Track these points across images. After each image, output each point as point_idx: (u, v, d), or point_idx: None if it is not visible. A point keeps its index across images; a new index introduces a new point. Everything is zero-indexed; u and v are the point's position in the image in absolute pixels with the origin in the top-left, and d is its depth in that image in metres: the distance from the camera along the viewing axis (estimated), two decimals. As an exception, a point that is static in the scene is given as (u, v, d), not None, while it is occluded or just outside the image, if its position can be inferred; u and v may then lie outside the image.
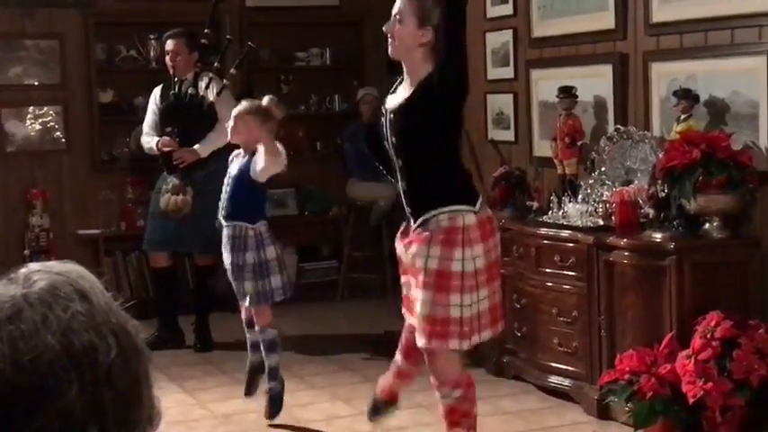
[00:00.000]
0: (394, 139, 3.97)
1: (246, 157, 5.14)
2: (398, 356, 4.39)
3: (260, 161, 5.00)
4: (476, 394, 4.20)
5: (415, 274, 3.93)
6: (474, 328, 3.92)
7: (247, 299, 5.15)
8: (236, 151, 5.32)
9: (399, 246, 4.13)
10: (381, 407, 4.55)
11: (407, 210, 4.03)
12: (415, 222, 3.96)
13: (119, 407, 1.10)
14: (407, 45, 3.88)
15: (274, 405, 5.19)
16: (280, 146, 5.08)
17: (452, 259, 3.83)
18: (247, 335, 5.34)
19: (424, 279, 3.86)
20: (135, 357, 1.14)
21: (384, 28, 3.97)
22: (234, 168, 5.23)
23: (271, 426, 5.22)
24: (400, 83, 4.04)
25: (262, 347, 5.21)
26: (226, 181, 5.26)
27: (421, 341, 3.92)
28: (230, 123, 5.14)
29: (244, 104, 5.20)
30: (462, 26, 3.89)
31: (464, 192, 3.97)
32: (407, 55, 3.91)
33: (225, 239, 5.20)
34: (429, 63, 3.87)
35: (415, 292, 3.96)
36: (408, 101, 3.90)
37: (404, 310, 4.24)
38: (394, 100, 4.01)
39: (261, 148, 4.99)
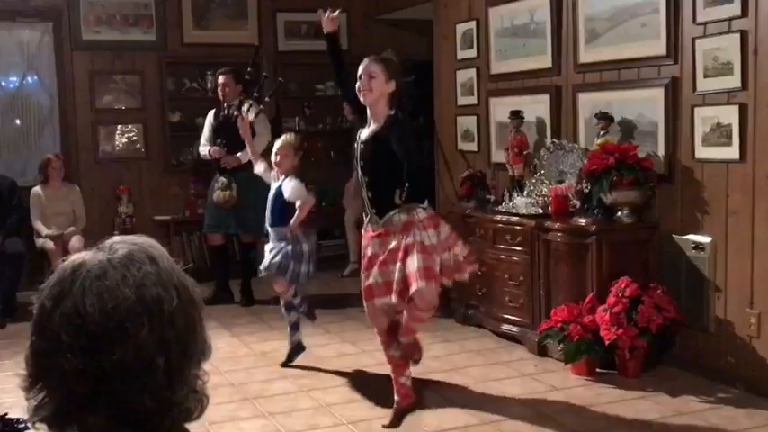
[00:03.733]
0: (362, 162, 3.98)
1: (280, 181, 5.01)
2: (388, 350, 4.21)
3: (292, 196, 4.92)
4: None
5: (402, 249, 3.87)
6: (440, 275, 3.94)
7: (284, 274, 4.95)
8: (273, 173, 5.12)
9: (367, 238, 4.02)
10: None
11: (372, 211, 3.98)
12: (380, 220, 3.95)
13: (179, 343, 1.10)
14: (379, 94, 3.89)
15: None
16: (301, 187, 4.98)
17: (418, 237, 3.86)
18: (287, 317, 5.14)
19: (416, 248, 3.83)
20: (192, 306, 1.14)
21: (357, 85, 3.92)
22: (272, 190, 5.07)
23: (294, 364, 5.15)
24: (368, 123, 3.99)
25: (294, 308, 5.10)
26: (269, 199, 5.09)
27: (420, 284, 3.80)
28: (278, 156, 5.01)
29: (283, 140, 5.06)
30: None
31: (419, 197, 3.97)
32: (377, 101, 3.91)
33: (271, 241, 5.03)
34: (389, 107, 3.91)
35: (408, 263, 3.85)
36: (374, 136, 3.91)
37: (375, 297, 3.98)
38: (363, 134, 4.00)
39: (289, 184, 4.93)
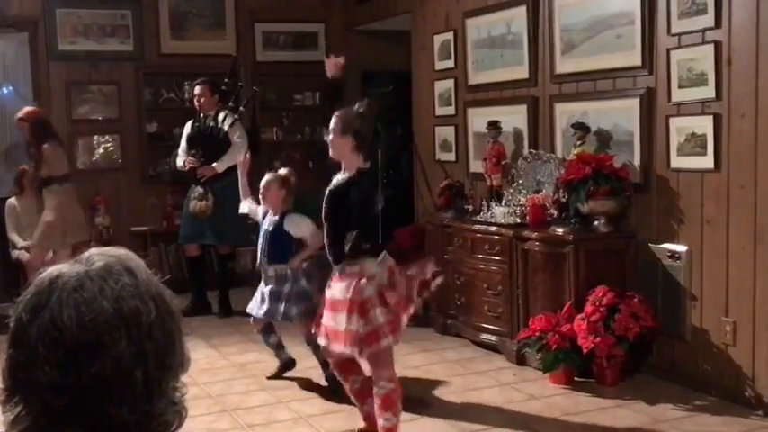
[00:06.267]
0: (325, 208, 3.88)
1: (277, 217, 4.91)
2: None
3: (300, 232, 4.85)
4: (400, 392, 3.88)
5: (336, 305, 3.80)
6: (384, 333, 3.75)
7: (293, 317, 4.82)
8: (263, 209, 5.02)
9: (334, 279, 3.93)
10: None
11: (330, 258, 3.88)
12: (334, 267, 3.85)
13: (157, 355, 1.10)
14: (336, 148, 3.84)
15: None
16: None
17: (363, 292, 3.72)
18: (264, 340, 5.09)
19: (348, 307, 3.73)
20: (170, 317, 1.14)
21: (325, 138, 3.90)
22: (266, 225, 4.95)
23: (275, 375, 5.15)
24: (342, 169, 3.91)
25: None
26: (261, 234, 4.97)
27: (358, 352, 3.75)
28: (261, 191, 4.92)
29: (268, 177, 4.95)
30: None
31: (370, 249, 3.78)
32: (340, 155, 3.85)
33: (269, 277, 4.90)
34: (355, 159, 3.80)
35: (337, 321, 3.79)
36: (336, 187, 3.83)
37: (323, 339, 3.95)
38: (334, 180, 3.90)
39: (295, 221, 4.87)
